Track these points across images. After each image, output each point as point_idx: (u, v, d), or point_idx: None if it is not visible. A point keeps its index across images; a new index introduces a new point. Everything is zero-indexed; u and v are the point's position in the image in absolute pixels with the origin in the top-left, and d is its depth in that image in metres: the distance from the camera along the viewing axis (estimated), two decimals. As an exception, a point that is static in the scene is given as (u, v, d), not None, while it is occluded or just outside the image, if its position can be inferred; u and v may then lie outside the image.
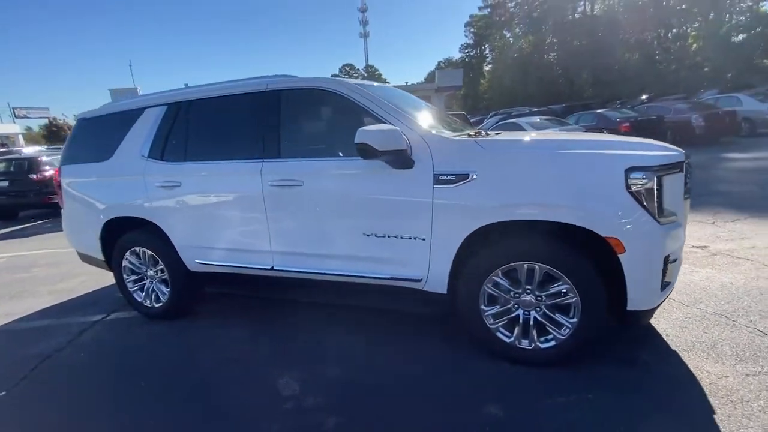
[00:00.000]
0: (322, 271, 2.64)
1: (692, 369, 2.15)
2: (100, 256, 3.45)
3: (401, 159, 2.22)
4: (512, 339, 2.28)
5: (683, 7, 29.90)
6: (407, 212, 2.31)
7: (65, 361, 2.86)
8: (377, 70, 64.21)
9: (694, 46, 29.66)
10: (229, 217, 2.83)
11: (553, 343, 2.21)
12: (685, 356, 2.27)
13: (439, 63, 63.50)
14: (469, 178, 2.14)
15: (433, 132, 2.35)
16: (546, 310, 2.20)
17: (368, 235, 2.42)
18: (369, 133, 2.13)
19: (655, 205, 1.94)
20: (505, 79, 42.67)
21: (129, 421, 2.15)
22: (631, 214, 1.93)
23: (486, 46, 54.18)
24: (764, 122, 11.69)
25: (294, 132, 2.70)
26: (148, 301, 3.33)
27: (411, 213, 2.29)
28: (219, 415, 2.12)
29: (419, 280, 2.39)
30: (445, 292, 2.36)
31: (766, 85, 19.06)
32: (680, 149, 2.16)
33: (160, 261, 3.18)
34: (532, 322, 2.24)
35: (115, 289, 4.20)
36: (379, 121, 2.35)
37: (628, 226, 1.94)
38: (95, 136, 3.48)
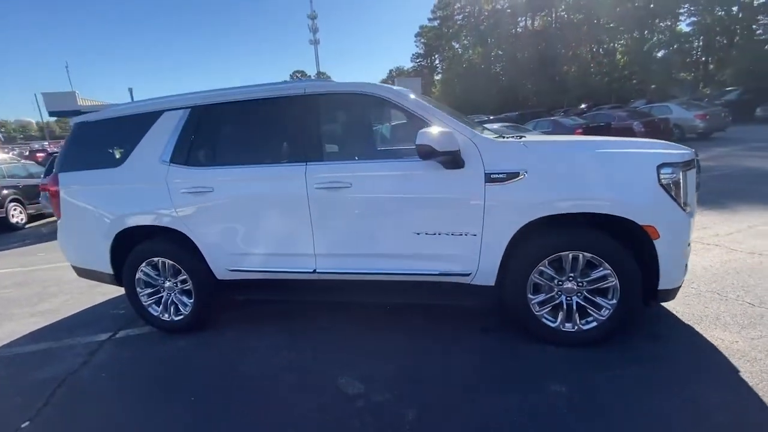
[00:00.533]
0: (368, 271, 2.69)
1: (708, 338, 2.48)
2: (108, 270, 3.21)
3: (454, 159, 2.36)
4: (557, 323, 2.48)
5: (611, 25, 33.14)
6: (459, 209, 2.44)
7: (87, 383, 2.66)
8: (329, 77, 64.10)
9: (622, 60, 32.99)
10: (269, 222, 2.79)
11: (594, 324, 2.44)
12: (698, 328, 2.61)
13: (391, 71, 64.89)
14: (520, 176, 2.32)
15: (479, 134, 2.51)
16: (587, 294, 2.44)
17: (419, 234, 2.53)
18: (430, 135, 2.25)
19: (681, 196, 2.25)
20: (455, 88, 44.46)
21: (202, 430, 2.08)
22: (663, 205, 2.22)
23: (436, 56, 56.20)
24: (692, 128, 13.32)
25: (338, 135, 2.74)
26: (167, 315, 3.15)
27: (463, 210, 2.43)
28: (296, 418, 2.11)
29: (468, 275, 2.53)
30: (493, 284, 2.52)
31: (686, 95, 21.68)
32: (690, 149, 2.49)
33: (182, 271, 3.03)
34: (574, 307, 2.46)
35: (111, 307, 3.96)
36: (427, 125, 2.47)
37: (662, 215, 2.22)
38: (99, 142, 3.25)
